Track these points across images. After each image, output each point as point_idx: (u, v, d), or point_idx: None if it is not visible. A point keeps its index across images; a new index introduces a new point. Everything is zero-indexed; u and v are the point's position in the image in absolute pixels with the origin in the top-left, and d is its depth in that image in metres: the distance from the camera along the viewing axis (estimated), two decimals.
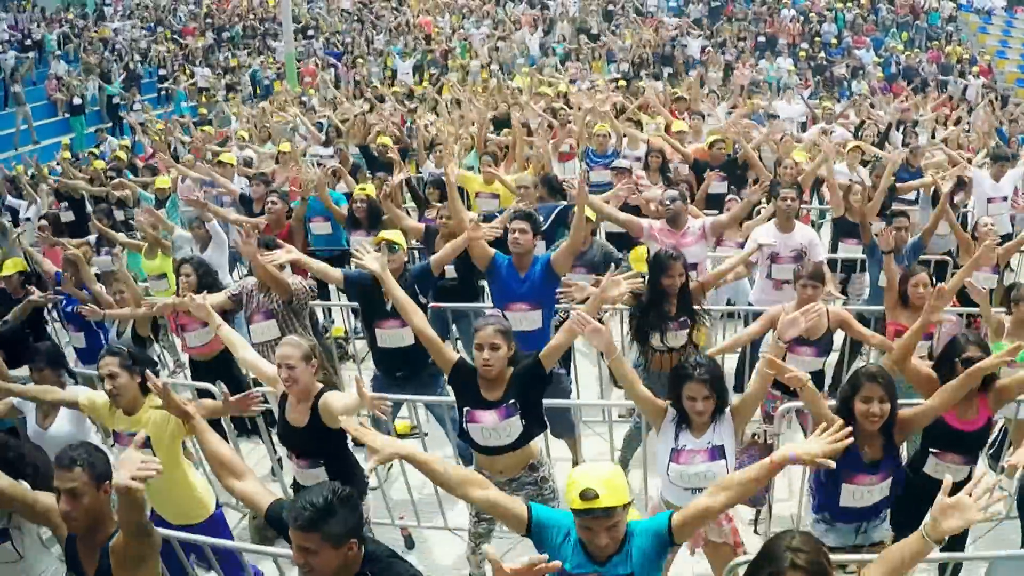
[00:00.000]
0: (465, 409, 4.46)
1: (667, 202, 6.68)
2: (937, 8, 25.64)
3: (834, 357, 6.58)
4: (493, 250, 5.84)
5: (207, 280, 6.31)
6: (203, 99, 22.73)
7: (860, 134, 12.14)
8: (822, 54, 23.03)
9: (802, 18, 24.84)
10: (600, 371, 6.96)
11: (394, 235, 5.93)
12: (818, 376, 5.66)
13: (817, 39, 23.83)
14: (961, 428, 4.45)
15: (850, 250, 8.05)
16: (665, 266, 5.49)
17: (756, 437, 5.04)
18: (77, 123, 19.92)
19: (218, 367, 6.43)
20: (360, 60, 22.53)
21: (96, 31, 24.85)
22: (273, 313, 6.19)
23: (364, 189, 8.18)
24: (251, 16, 26.42)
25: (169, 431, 4.45)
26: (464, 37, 23.63)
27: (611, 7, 25.44)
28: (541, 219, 5.87)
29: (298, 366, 4.37)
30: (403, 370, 5.79)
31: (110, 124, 20.59)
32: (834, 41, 23.85)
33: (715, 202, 8.74)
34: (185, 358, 7.59)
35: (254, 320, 6.23)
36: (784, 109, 15.42)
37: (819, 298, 5.44)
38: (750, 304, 7.23)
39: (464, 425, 4.48)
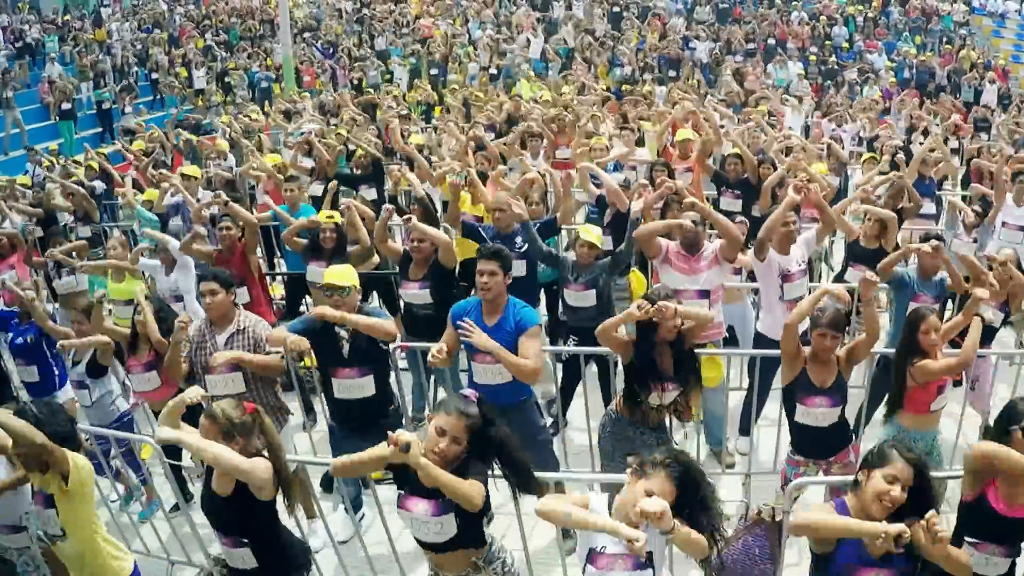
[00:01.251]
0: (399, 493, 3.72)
1: (686, 230, 6.09)
2: (950, 11, 24.83)
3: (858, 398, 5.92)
4: None
5: (163, 324, 5.69)
6: (199, 102, 22.16)
7: (876, 146, 11.35)
8: (833, 58, 22.28)
9: (812, 21, 24.00)
10: (591, 440, 6.13)
11: (341, 276, 5.07)
12: (842, 428, 4.97)
13: (827, 43, 23.04)
14: (1007, 515, 3.68)
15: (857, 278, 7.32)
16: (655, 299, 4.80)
17: (761, 513, 4.28)
18: (66, 128, 19.22)
19: None
20: (359, 63, 21.81)
21: (91, 34, 24.16)
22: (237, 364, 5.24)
23: (332, 217, 7.43)
24: (250, 18, 25.70)
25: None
26: (466, 40, 22.86)
27: (616, 9, 24.66)
28: (511, 256, 5.11)
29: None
30: (360, 421, 5.07)
31: (100, 129, 19.94)
32: (845, 45, 23.08)
33: None
34: None
35: (213, 370, 5.24)
36: (792, 118, 14.66)
37: (836, 348, 4.77)
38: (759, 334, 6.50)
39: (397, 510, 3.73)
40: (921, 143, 13.73)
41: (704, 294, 5.98)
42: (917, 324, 4.91)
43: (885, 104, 19.13)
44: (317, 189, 9.99)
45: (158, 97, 22.39)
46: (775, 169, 9.10)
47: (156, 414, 5.81)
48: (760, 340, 6.36)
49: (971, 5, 25.50)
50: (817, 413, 4.81)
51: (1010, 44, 23.92)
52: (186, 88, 21.86)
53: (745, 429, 6.41)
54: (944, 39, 23.83)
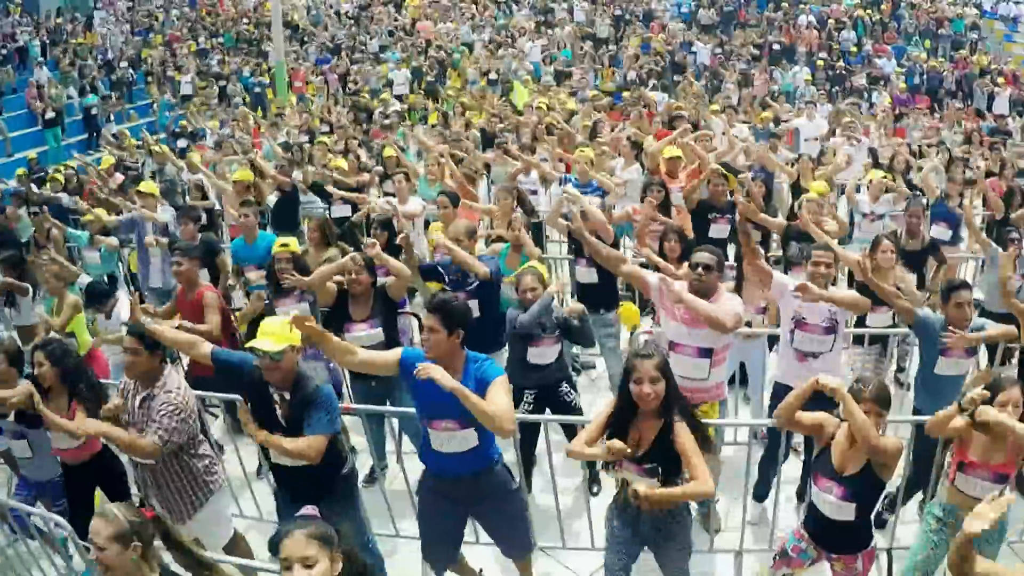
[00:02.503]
0: None
1: (697, 269, 4.91)
2: (961, 15, 23.94)
3: None
4: None
5: (69, 370, 4.85)
6: (190, 107, 21.37)
7: (890, 163, 10.49)
8: (841, 63, 21.43)
9: (820, 25, 23.11)
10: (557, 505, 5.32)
11: (274, 336, 4.17)
12: (856, 531, 4.10)
13: (835, 47, 22.17)
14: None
15: (883, 321, 6.40)
16: (631, 367, 3.88)
17: None
18: (51, 136, 18.45)
19: (97, 473, 5.06)
20: (355, 68, 21.01)
21: (80, 38, 23.39)
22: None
23: (286, 245, 6.48)
24: (245, 20, 24.90)
25: None
26: (463, 44, 22.02)
27: (618, 12, 23.81)
28: (462, 310, 4.15)
29: (108, 548, 3.13)
30: (304, 491, 4.14)
31: (86, 136, 19.19)
32: (853, 49, 22.25)
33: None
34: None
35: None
36: (804, 127, 13.77)
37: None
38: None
39: None
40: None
41: (705, 352, 4.87)
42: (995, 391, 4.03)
43: (895, 111, 18.30)
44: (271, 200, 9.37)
45: (152, 102, 21.63)
46: (768, 188, 8.33)
47: (74, 471, 5.04)
48: (776, 388, 5.49)
49: (982, 9, 24.62)
50: (827, 500, 4.02)
51: (1022, 49, 23.00)
52: (168, 94, 20.99)
53: (761, 494, 5.53)
54: (955, 44, 22.96)
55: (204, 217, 10.07)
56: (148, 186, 9.52)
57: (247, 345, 4.28)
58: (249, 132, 15.03)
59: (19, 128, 19.01)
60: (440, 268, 6.31)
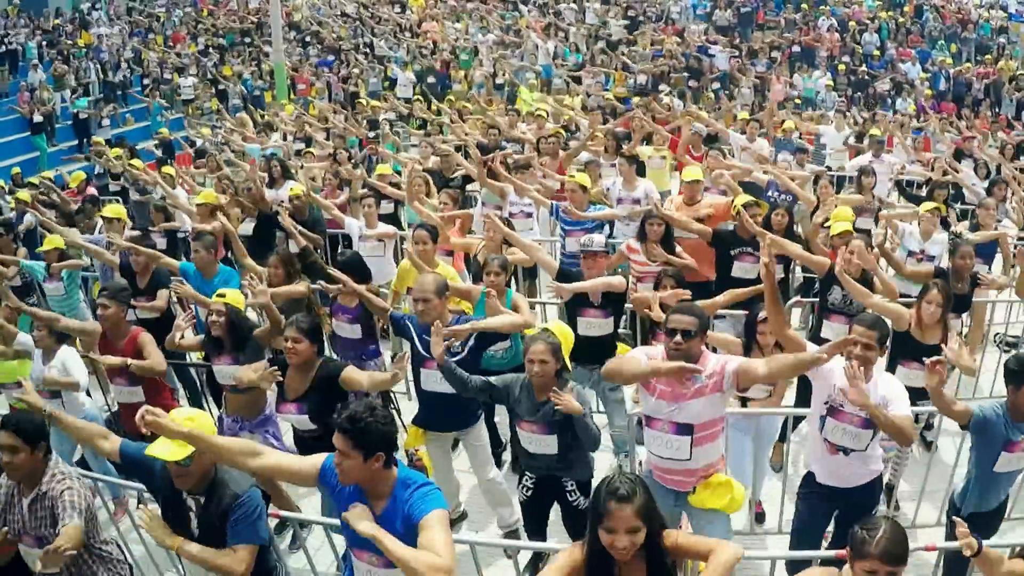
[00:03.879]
0: None
1: (675, 336, 3.96)
2: (987, 18, 22.64)
3: None
4: None
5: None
6: (188, 111, 20.38)
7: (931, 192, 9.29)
8: (863, 67, 20.19)
9: (840, 28, 21.85)
10: None
11: (174, 446, 3.40)
12: None
13: (858, 51, 20.92)
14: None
15: (915, 379, 5.22)
16: (603, 511, 2.95)
17: None
18: (39, 142, 17.47)
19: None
20: (356, 70, 19.93)
21: (78, 38, 22.43)
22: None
23: (223, 295, 5.56)
24: (249, 21, 23.84)
25: None
26: (471, 45, 20.88)
27: (632, 12, 22.61)
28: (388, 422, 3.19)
29: None
30: None
31: (76, 143, 18.21)
32: (876, 53, 20.97)
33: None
34: None
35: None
36: (831, 137, 12.59)
37: None
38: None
39: None
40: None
41: (685, 429, 4.00)
42: None
43: (921, 120, 17.08)
44: (248, 228, 8.23)
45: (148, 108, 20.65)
46: (790, 217, 7.19)
47: None
48: (807, 479, 4.40)
49: (1009, 11, 23.31)
50: None
51: None
52: (159, 97, 19.99)
53: None
54: (981, 48, 21.68)
55: (165, 242, 9.13)
56: (114, 210, 8.52)
57: (147, 452, 3.48)
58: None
59: (9, 134, 18.10)
60: (409, 325, 5.23)
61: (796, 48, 21.24)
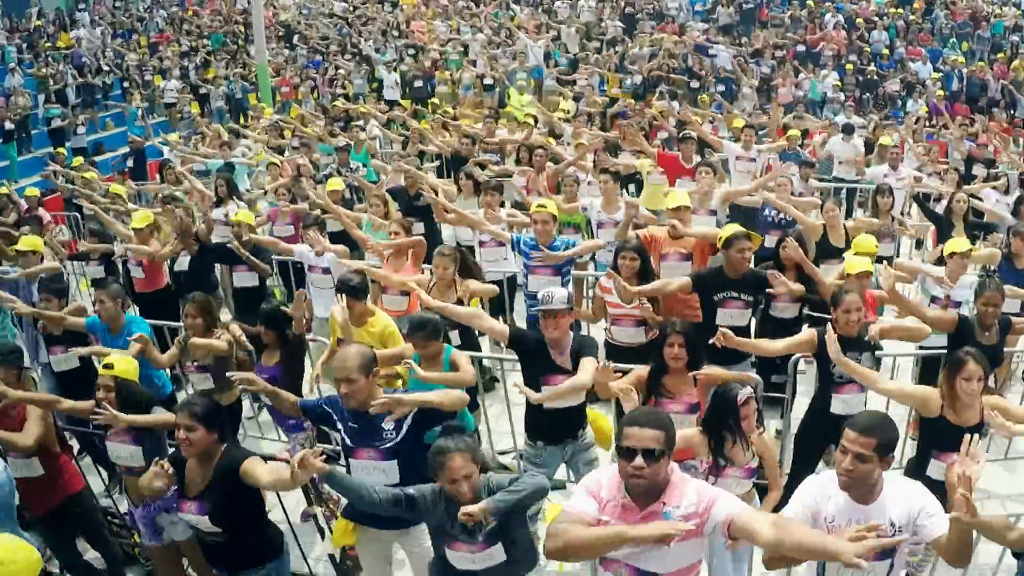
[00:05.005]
0: None
1: (635, 459, 2.86)
2: (1001, 16, 21.41)
3: None
4: None
5: None
6: (170, 116, 19.39)
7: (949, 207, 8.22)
8: (872, 67, 19.01)
9: (848, 25, 20.65)
10: None
11: None
12: None
13: (866, 50, 19.76)
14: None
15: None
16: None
17: None
18: (9, 151, 16.50)
19: None
20: (342, 72, 18.89)
21: (54, 41, 21.43)
22: None
23: (111, 366, 4.60)
24: (235, 21, 22.78)
25: None
26: (460, 45, 19.77)
27: (629, 10, 21.44)
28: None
29: None
30: None
31: (52, 149, 17.21)
32: (885, 52, 19.75)
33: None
34: None
35: None
36: (839, 148, 11.49)
37: None
38: None
39: None
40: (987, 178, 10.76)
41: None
42: None
43: (932, 122, 15.96)
44: (183, 263, 7.23)
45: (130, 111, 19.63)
46: (803, 244, 6.18)
47: None
48: None
49: (1022, 8, 22.08)
50: None
51: None
52: (137, 101, 18.99)
53: None
54: (995, 47, 20.48)
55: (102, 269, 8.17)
56: (29, 242, 7.50)
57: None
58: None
59: None
60: (331, 410, 4.20)
61: (801, 47, 20.07)
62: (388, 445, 3.99)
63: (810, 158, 10.41)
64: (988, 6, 21.73)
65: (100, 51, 21.57)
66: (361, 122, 12.98)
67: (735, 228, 5.67)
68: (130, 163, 14.78)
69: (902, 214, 9.01)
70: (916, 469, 4.46)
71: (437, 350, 4.66)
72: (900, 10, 21.54)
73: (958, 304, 6.06)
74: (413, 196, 8.55)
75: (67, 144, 17.25)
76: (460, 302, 5.79)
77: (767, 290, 5.69)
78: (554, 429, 4.76)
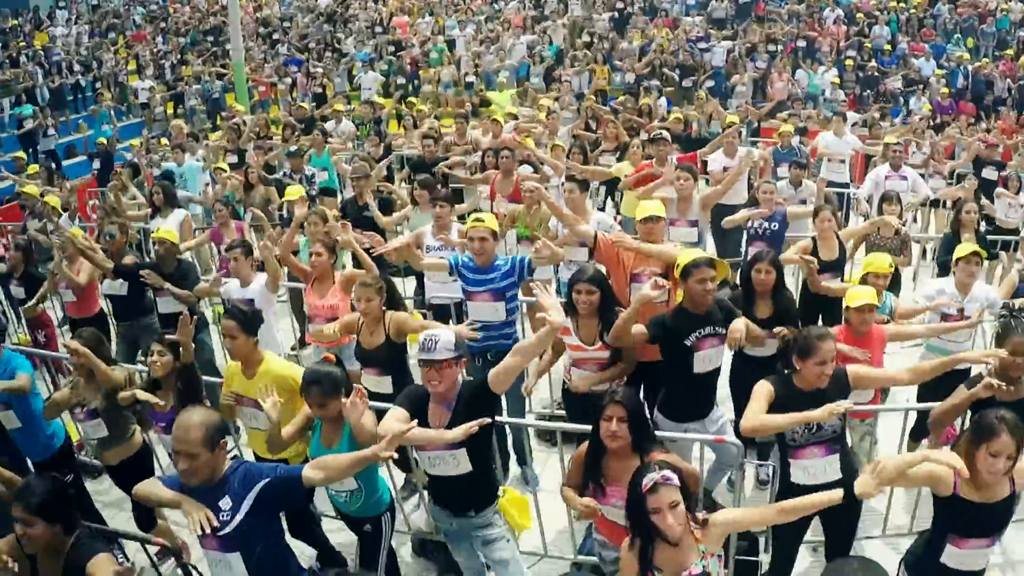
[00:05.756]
0: None
1: None
2: (1007, 11, 20.40)
3: None
4: None
5: None
6: (146, 117, 18.51)
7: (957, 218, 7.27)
8: (873, 63, 18.01)
9: (848, 20, 19.66)
10: None
11: None
12: None
13: (867, 45, 18.77)
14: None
15: (976, 560, 3.45)
16: None
17: None
18: None
19: None
20: (320, 69, 17.98)
21: (29, 40, 20.54)
22: None
23: None
24: (213, 14, 21.86)
25: None
26: (444, 41, 18.81)
27: (620, 4, 20.44)
28: None
29: None
30: None
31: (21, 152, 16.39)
32: (887, 47, 18.75)
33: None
34: None
35: None
36: (833, 143, 10.53)
37: None
38: None
39: None
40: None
41: None
42: None
43: (936, 120, 15.02)
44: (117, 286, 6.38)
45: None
46: (778, 273, 5.11)
47: None
48: None
49: None
50: None
51: None
52: (109, 102, 18.11)
53: None
54: (1000, 43, 19.49)
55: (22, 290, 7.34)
56: None
57: None
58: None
59: None
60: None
61: (800, 42, 19.09)
62: (225, 532, 3.19)
63: (805, 157, 9.46)
64: (993, 0, 20.75)
65: (75, 50, 20.70)
66: (331, 123, 12.06)
67: (694, 254, 4.58)
68: (96, 166, 13.95)
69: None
70: (927, 552, 3.55)
71: (338, 408, 3.75)
72: (902, 4, 20.59)
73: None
74: (362, 207, 7.64)
75: (38, 147, 16.50)
76: (389, 341, 4.89)
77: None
78: (448, 499, 3.91)
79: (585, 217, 6.36)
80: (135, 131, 18.23)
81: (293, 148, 10.04)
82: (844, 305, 4.78)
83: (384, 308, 4.90)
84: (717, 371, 4.60)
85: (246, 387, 4.44)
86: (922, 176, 9.72)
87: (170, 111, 18.63)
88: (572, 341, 4.77)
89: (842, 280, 6.20)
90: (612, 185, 9.99)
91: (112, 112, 17.85)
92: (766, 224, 6.97)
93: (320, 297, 5.70)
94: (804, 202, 8.13)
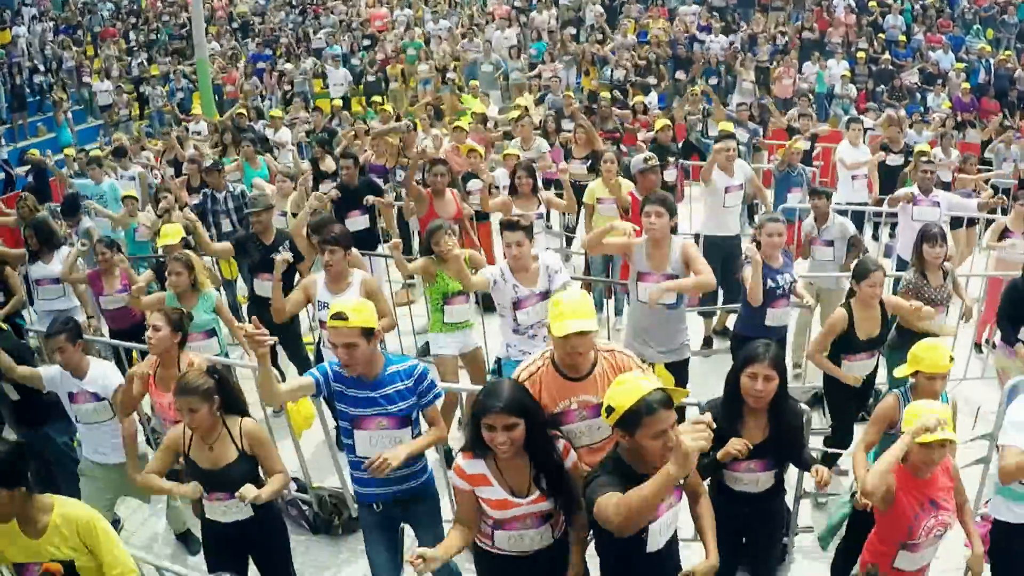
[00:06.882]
0: None
1: None
2: None
3: None
4: None
5: None
6: (108, 119, 17.06)
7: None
8: (886, 55, 16.34)
9: (859, 9, 17.92)
10: None
11: None
12: None
13: (880, 36, 17.08)
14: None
15: None
16: None
17: None
18: None
19: None
20: (290, 66, 16.47)
21: None
22: None
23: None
24: (184, 14, 20.34)
25: None
26: (420, 36, 17.21)
27: None
28: None
29: None
30: None
31: None
32: (901, 39, 17.06)
33: None
34: None
35: None
36: (849, 153, 8.93)
37: None
38: None
39: None
40: None
41: None
42: None
43: (956, 119, 13.40)
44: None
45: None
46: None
47: None
48: None
49: None
50: None
51: None
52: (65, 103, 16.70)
53: None
54: (1021, 35, 17.78)
55: None
56: None
57: None
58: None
59: None
60: None
61: (808, 33, 17.39)
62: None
63: (820, 185, 7.84)
64: None
65: (39, 50, 19.26)
66: (270, 131, 10.57)
67: (637, 392, 2.75)
68: (30, 179, 12.59)
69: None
70: None
71: None
72: None
73: None
74: (269, 245, 6.10)
75: None
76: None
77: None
78: None
79: (536, 265, 4.88)
80: (95, 135, 16.89)
81: (209, 163, 8.38)
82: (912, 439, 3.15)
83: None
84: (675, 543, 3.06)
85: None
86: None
87: (135, 113, 17.24)
88: (493, 495, 3.11)
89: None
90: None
91: (69, 115, 16.43)
92: (780, 276, 5.34)
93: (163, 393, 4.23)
94: (831, 243, 6.55)
